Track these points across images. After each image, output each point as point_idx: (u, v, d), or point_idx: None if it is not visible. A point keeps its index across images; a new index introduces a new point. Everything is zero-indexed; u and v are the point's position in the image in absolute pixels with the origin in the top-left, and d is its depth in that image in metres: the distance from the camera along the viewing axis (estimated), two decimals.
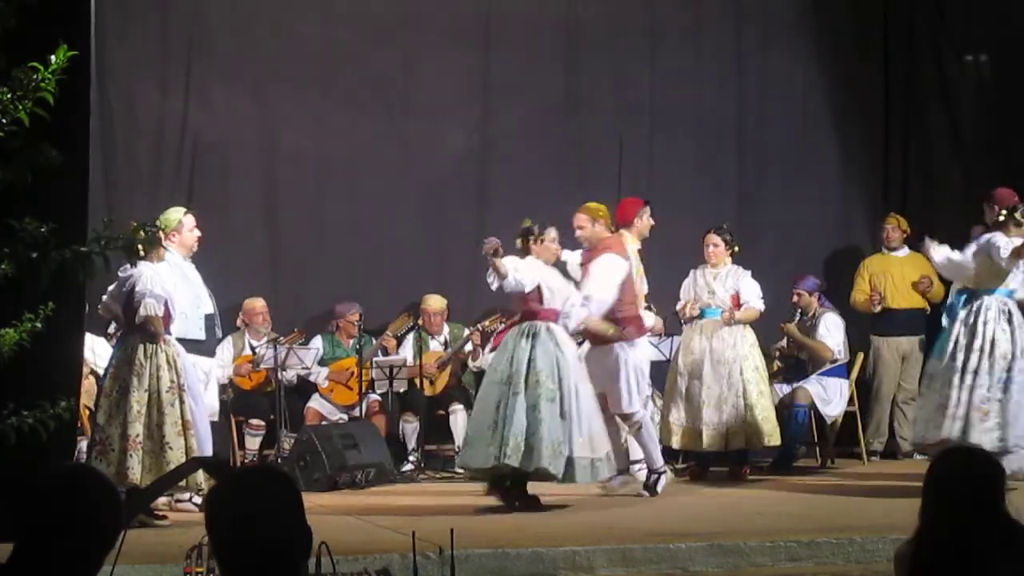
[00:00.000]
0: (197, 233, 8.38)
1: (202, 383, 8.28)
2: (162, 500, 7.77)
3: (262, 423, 10.29)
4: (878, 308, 11.04)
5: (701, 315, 9.79)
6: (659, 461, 8.84)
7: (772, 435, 9.69)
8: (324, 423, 10.30)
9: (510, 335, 8.28)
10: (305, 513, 2.71)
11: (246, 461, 10.02)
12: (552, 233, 8.36)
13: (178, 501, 7.95)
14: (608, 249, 8.63)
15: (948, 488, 3.41)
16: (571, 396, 8.04)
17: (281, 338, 10.22)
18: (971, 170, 11.74)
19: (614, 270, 8.58)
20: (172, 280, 7.97)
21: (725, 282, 9.86)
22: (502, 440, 7.86)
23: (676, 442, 9.77)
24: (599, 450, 8.10)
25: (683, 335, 9.98)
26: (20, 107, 5.11)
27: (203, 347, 8.40)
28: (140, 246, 5.37)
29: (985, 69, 12.06)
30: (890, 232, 11.16)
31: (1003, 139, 11.59)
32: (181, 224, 8.23)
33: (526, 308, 8.25)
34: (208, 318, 8.43)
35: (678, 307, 9.97)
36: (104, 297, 7.99)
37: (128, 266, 7.50)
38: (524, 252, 8.31)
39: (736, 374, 9.64)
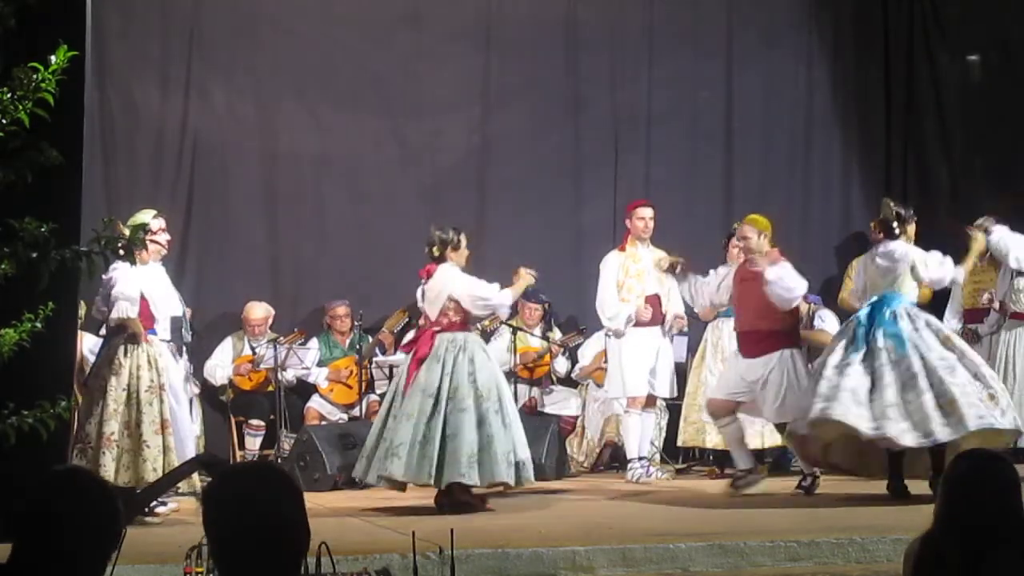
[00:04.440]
0: (167, 236, 8.37)
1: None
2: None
3: (262, 423, 10.29)
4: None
5: (728, 314, 9.81)
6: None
7: None
8: (324, 423, 10.31)
9: (442, 348, 8.06)
10: (305, 510, 2.71)
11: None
12: (464, 239, 8.30)
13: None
14: (779, 260, 8.73)
15: (968, 490, 3.40)
16: (509, 403, 8.14)
17: (281, 338, 10.23)
18: (958, 170, 11.79)
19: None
20: (151, 282, 7.99)
21: None
22: (446, 457, 7.83)
23: (710, 441, 9.82)
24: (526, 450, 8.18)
25: (709, 334, 10.00)
26: (20, 107, 5.11)
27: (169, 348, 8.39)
28: (136, 248, 5.39)
29: (976, 71, 12.09)
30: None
31: (989, 141, 11.63)
32: (150, 227, 8.18)
33: (454, 320, 8.16)
34: (175, 320, 8.44)
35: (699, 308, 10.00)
36: (97, 299, 8.03)
37: (113, 267, 7.54)
38: (439, 260, 8.20)
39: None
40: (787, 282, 8.53)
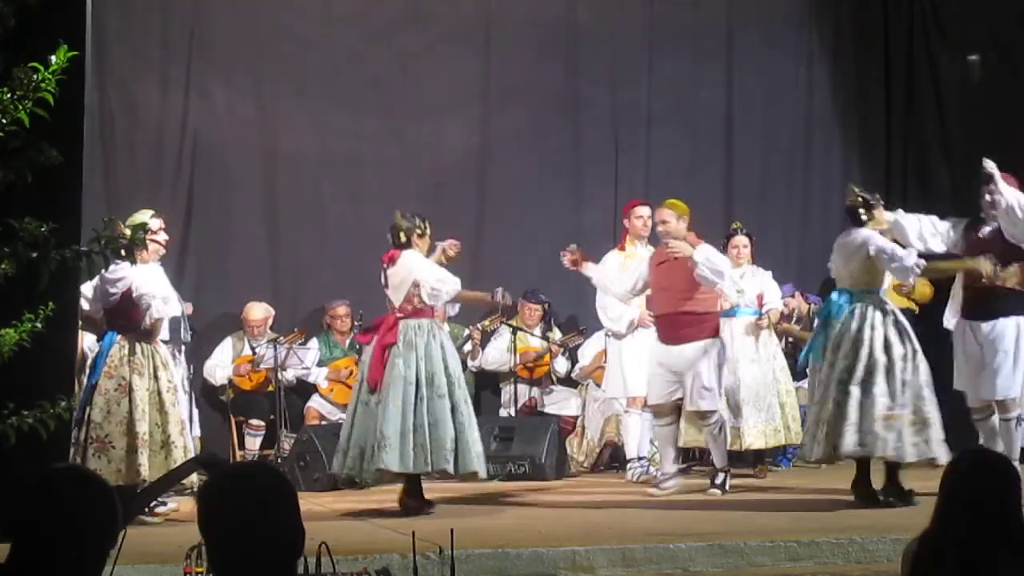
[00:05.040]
0: (164, 236, 8.35)
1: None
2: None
3: (262, 423, 10.29)
4: None
5: (730, 314, 9.82)
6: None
7: (799, 433, 9.77)
8: (324, 423, 10.30)
9: (410, 334, 7.98)
10: (299, 511, 2.71)
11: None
12: (429, 227, 8.27)
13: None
14: (701, 242, 8.67)
15: (968, 490, 3.40)
16: (468, 395, 8.17)
17: (281, 338, 10.23)
18: (958, 170, 11.79)
19: None
20: (155, 281, 8.00)
21: (751, 281, 9.93)
22: (432, 445, 7.80)
23: None
24: None
25: None
26: (20, 107, 5.11)
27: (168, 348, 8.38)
28: (137, 248, 5.39)
29: (976, 71, 12.09)
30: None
31: (989, 141, 11.62)
32: (148, 227, 8.14)
33: (418, 306, 8.09)
34: (173, 320, 8.42)
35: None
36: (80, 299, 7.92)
37: (114, 267, 7.51)
38: (404, 246, 8.14)
39: (770, 373, 9.72)
40: (715, 263, 8.48)
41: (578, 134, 11.62)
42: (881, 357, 7.87)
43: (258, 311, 10.51)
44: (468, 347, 10.81)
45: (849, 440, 7.80)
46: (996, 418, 8.35)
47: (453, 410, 7.91)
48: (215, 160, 10.87)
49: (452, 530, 4.82)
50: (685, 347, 8.63)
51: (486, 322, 10.69)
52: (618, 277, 9.14)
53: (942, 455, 7.80)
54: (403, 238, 8.17)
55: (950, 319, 10.59)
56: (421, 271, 8.11)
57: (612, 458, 10.52)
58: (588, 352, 10.78)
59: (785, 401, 9.76)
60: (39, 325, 5.44)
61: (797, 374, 10.45)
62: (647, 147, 11.73)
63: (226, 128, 10.92)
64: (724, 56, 11.89)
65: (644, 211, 9.84)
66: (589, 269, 9.04)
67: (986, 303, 8.27)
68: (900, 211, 8.56)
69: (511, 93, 11.45)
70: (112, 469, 7.45)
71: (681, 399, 8.77)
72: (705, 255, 8.48)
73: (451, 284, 8.13)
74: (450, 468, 7.88)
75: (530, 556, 6.52)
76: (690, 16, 11.87)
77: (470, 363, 10.92)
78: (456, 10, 11.38)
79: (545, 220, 11.25)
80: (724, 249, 10.01)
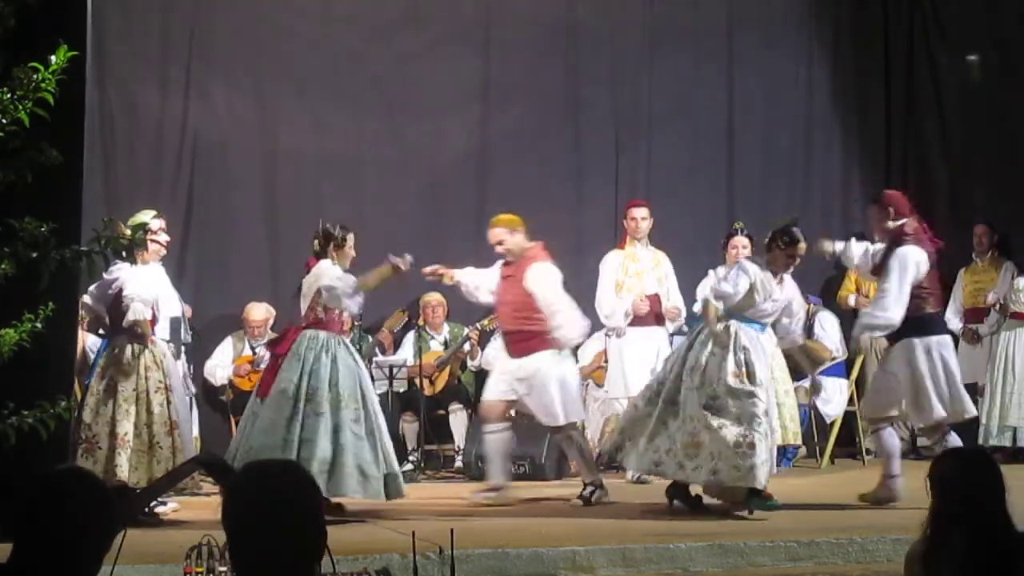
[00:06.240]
0: (166, 237, 8.33)
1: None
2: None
3: None
4: (859, 307, 11.06)
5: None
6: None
7: (797, 434, 9.75)
8: None
9: (303, 346, 7.68)
10: (324, 513, 2.72)
11: None
12: (351, 239, 7.96)
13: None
14: (537, 259, 8.45)
15: (949, 489, 3.42)
16: (373, 414, 7.75)
17: None
18: (958, 170, 11.81)
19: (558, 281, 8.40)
20: (154, 282, 7.99)
21: None
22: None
23: None
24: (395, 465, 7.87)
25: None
26: (20, 107, 5.11)
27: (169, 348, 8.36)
28: (137, 248, 5.39)
29: (976, 71, 12.11)
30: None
31: (989, 141, 11.64)
32: (149, 228, 8.13)
33: (320, 316, 7.81)
34: (173, 320, 8.40)
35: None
36: (85, 297, 7.88)
37: (113, 267, 7.53)
38: (320, 256, 7.86)
39: (769, 373, 9.70)
40: (548, 296, 8.25)
41: (578, 134, 11.62)
42: (697, 378, 7.76)
43: (259, 312, 10.51)
44: (468, 347, 10.81)
45: (670, 463, 7.75)
46: (890, 432, 8.17)
47: (336, 430, 7.55)
48: (215, 160, 10.87)
49: (452, 530, 4.81)
50: (526, 360, 8.35)
51: (485, 322, 10.67)
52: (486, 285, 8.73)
53: (762, 479, 7.68)
54: (317, 247, 7.89)
55: (951, 319, 10.62)
56: (322, 276, 7.80)
57: (612, 458, 10.49)
58: (588, 352, 10.77)
59: (784, 401, 9.74)
60: (39, 325, 5.45)
61: (796, 374, 10.46)
62: (647, 147, 11.73)
63: (226, 128, 10.92)
64: (724, 56, 11.90)
65: (638, 212, 9.86)
66: (460, 274, 8.73)
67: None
68: (852, 240, 8.62)
69: (511, 93, 11.46)
70: (99, 470, 7.42)
71: (515, 402, 8.53)
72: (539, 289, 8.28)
73: (346, 280, 7.81)
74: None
75: (530, 556, 6.52)
76: (690, 16, 11.88)
77: (470, 363, 10.92)
78: (456, 10, 11.39)
79: (545, 220, 11.20)
80: (724, 249, 10.02)
